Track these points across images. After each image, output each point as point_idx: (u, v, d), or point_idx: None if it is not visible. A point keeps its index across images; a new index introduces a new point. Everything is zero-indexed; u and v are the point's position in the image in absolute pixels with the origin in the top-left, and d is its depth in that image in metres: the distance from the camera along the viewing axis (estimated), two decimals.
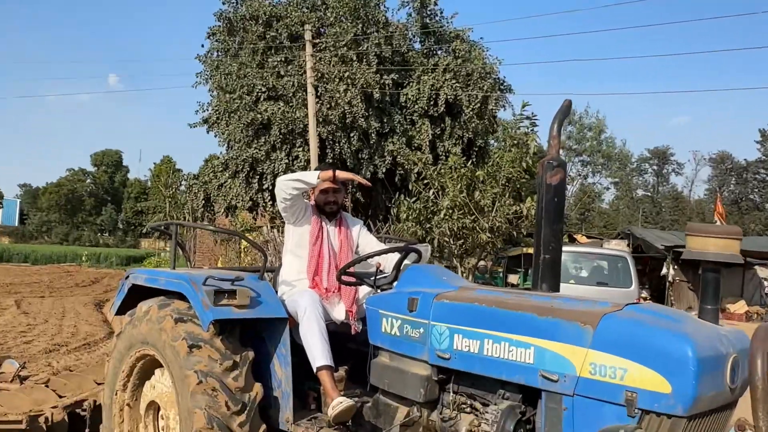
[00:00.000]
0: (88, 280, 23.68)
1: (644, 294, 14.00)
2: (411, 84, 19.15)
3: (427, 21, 20.10)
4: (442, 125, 19.37)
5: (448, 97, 18.76)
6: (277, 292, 3.86)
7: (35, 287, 19.59)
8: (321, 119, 17.50)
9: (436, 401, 3.04)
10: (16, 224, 69.68)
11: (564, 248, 10.95)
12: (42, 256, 39.04)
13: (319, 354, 3.37)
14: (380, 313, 3.26)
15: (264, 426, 3.37)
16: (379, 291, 3.54)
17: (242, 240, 19.66)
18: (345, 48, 18.16)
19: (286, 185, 3.63)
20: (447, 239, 13.05)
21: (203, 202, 19.35)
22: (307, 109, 17.22)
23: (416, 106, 18.90)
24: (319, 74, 17.90)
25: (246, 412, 3.28)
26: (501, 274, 24.18)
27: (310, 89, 16.55)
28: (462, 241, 13.03)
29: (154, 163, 53.73)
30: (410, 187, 14.18)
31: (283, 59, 18.86)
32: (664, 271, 18.59)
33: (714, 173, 60.75)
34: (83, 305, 15.31)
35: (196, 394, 3.22)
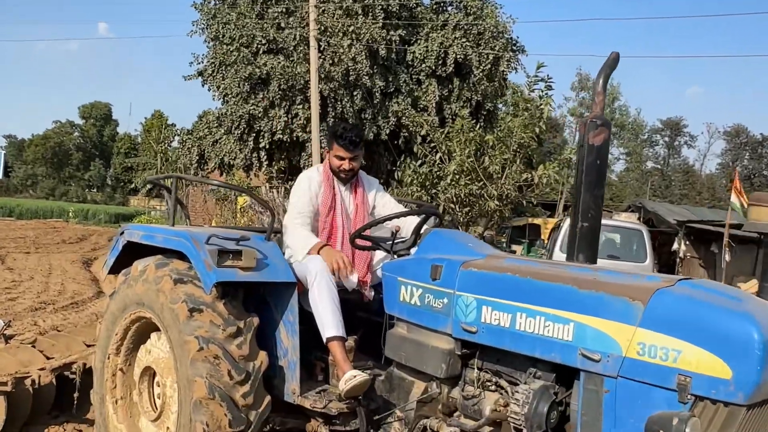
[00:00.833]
0: (75, 237, 23.51)
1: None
2: (419, 41, 18.80)
3: None
4: (450, 86, 19.12)
5: (458, 56, 18.44)
6: (284, 254, 3.70)
7: (20, 242, 19.44)
8: (323, 75, 17.17)
9: (457, 377, 2.90)
10: (0, 177, 69.18)
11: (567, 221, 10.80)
12: (27, 211, 38.83)
13: (330, 323, 3.22)
14: (398, 281, 3.10)
15: (269, 397, 3.23)
16: (395, 257, 3.38)
17: (238, 199, 19.55)
18: (350, 0, 17.74)
19: (290, 238, 3.60)
20: (453, 206, 12.85)
21: (197, 158, 19.11)
22: (308, 64, 16.87)
23: (423, 65, 18.61)
24: (322, 27, 17.50)
25: (250, 382, 3.13)
26: (504, 244, 24.17)
27: (312, 43, 16.17)
28: (468, 208, 12.84)
29: (145, 118, 53.05)
30: (415, 150, 13.91)
31: (284, 10, 18.45)
32: (675, 246, 18.45)
33: (728, 147, 60.45)
34: (70, 263, 15.17)
35: (197, 362, 3.07)
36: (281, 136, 17.72)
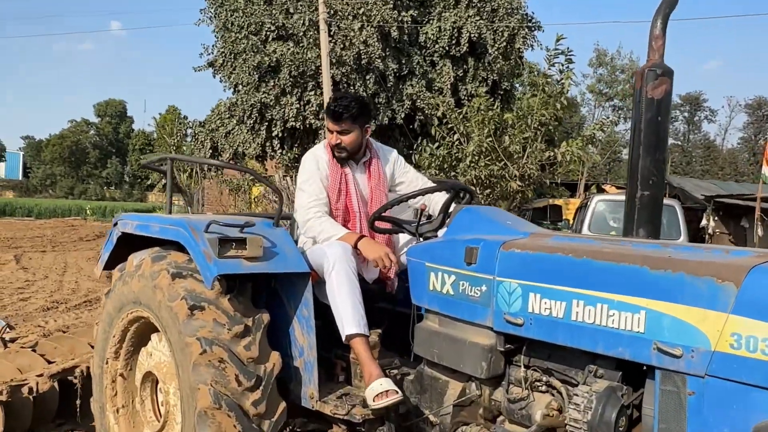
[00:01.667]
0: (92, 234, 23.38)
1: None
2: (431, 21, 18.27)
3: None
4: (465, 66, 18.58)
5: (472, 35, 17.88)
6: (296, 241, 3.30)
7: (37, 242, 19.30)
8: (334, 60, 16.71)
9: (500, 377, 2.48)
10: (20, 178, 69.74)
11: (602, 197, 10.26)
12: (46, 210, 38.89)
13: (350, 319, 2.81)
14: (427, 267, 2.68)
15: (283, 404, 2.84)
16: (422, 239, 2.97)
17: (252, 188, 19.22)
18: None
19: (309, 231, 3.15)
20: (473, 188, 12.41)
21: (210, 151, 18.76)
22: (319, 49, 16.42)
23: (437, 46, 18.09)
24: (332, 11, 17.03)
25: (261, 387, 2.74)
26: None
27: (322, 26, 15.72)
28: (489, 190, 12.39)
29: (159, 113, 53.02)
30: (432, 133, 13.46)
31: None
32: (703, 222, 17.87)
33: (750, 120, 59.02)
34: (86, 260, 14.95)
35: (200, 367, 2.68)
36: (294, 124, 17.31)
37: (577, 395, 2.13)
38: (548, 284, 2.20)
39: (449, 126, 13.27)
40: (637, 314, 1.97)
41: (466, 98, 17.52)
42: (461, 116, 12.98)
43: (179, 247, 2.95)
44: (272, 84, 17.12)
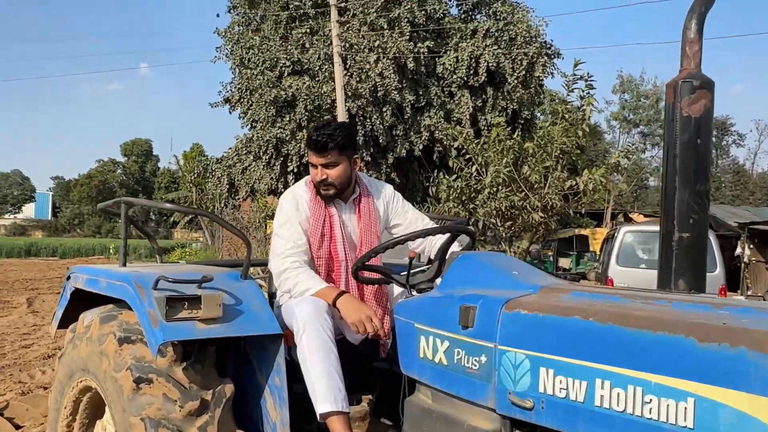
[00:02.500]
0: None
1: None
2: (448, 52, 18.00)
3: None
4: (484, 96, 18.26)
5: (490, 65, 17.57)
6: (274, 296, 2.85)
7: (55, 282, 19.12)
8: (350, 93, 16.51)
9: None
10: (49, 217, 70.78)
11: (630, 227, 9.64)
12: (70, 250, 39.08)
13: (324, 394, 2.33)
14: (417, 329, 2.19)
15: None
16: (414, 293, 2.48)
17: (268, 224, 18.89)
18: (374, 14, 17.09)
19: (283, 283, 2.65)
20: (494, 220, 11.89)
21: (227, 187, 18.59)
22: (334, 83, 16.20)
23: (455, 76, 17.80)
24: (347, 44, 16.86)
25: None
26: (551, 258, 22.97)
27: (336, 59, 15.53)
28: (511, 222, 11.84)
29: (184, 151, 53.49)
30: (450, 164, 13.01)
31: (307, 30, 17.93)
32: (738, 250, 17.06)
33: None
34: None
35: None
36: None
37: None
38: (564, 357, 1.70)
39: (467, 157, 12.84)
40: (683, 402, 1.46)
41: (485, 128, 17.15)
42: (480, 146, 12.55)
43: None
44: (288, 119, 16.91)
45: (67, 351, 2.84)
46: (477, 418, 1.96)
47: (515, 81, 17.85)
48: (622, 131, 51.19)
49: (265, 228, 16.58)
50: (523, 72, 17.88)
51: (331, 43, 16.76)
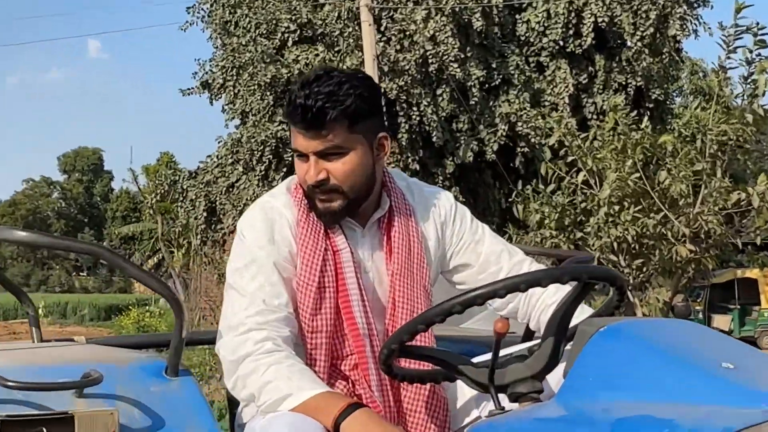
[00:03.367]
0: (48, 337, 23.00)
1: None
2: (535, 3, 17.48)
3: None
4: (592, 69, 17.77)
5: (599, 20, 17.00)
6: (235, 405, 2.23)
7: (14, 338, 19.05)
8: (387, 68, 16.15)
9: None
10: None
11: None
12: None
13: None
14: None
15: None
16: (506, 403, 1.82)
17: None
18: None
19: (241, 384, 1.97)
20: (614, 257, 11.16)
21: (204, 214, 18.29)
22: (362, 53, 15.82)
23: (545, 40, 17.42)
24: (381, 0, 16.56)
25: None
26: (699, 315, 22.02)
27: (365, 16, 15.19)
28: (642, 259, 11.12)
29: (144, 167, 54.03)
30: (543, 172, 12.40)
31: None
32: None
33: None
34: None
35: None
36: None
37: None
38: None
39: (570, 160, 12.24)
40: None
41: (594, 116, 16.59)
42: (589, 143, 11.94)
43: None
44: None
45: None
46: None
47: (639, 44, 17.23)
48: None
49: None
50: (651, 30, 17.23)
51: (355, 2, 16.46)
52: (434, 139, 16.65)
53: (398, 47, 16.24)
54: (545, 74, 17.47)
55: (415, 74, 16.29)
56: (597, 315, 1.94)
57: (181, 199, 19.97)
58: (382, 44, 16.14)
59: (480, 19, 16.46)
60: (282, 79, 16.59)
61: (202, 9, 19.05)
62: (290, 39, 17.11)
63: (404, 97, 16.43)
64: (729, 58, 11.01)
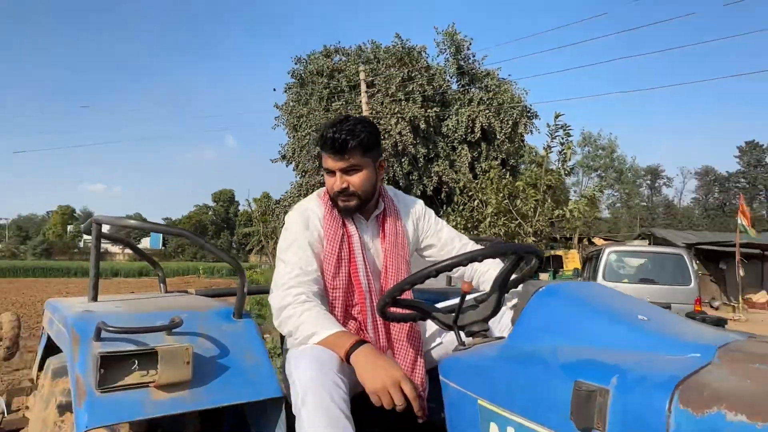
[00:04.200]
0: (200, 288, 22.13)
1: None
2: (451, 116, 16.98)
3: (462, 63, 17.85)
4: (479, 149, 17.12)
5: (483, 125, 16.49)
6: (283, 341, 1.69)
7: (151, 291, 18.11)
8: None
9: None
10: (160, 247, 70.70)
11: (613, 248, 8.27)
12: (171, 271, 38.16)
13: None
14: (480, 408, 1.00)
15: None
16: (465, 339, 1.29)
17: None
18: (394, 89, 16.20)
19: (284, 324, 1.43)
20: None
21: (283, 222, 17.59)
22: None
23: (456, 134, 16.74)
24: (374, 112, 15.98)
25: None
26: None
27: None
28: None
29: (254, 198, 53.25)
30: (456, 201, 11.87)
31: (343, 102, 17.08)
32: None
33: (699, 184, 55.38)
34: None
35: None
36: None
37: None
38: None
39: (469, 194, 11.71)
40: None
41: (480, 173, 16.06)
42: (479, 186, 11.43)
43: None
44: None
45: (34, 406, 1.69)
46: None
47: (503, 137, 16.75)
48: (585, 175, 49.89)
49: None
50: (509, 130, 16.78)
51: (361, 111, 15.87)
52: (400, 184, 16.02)
53: (382, 138, 15.63)
54: (456, 152, 16.92)
55: (390, 151, 15.72)
56: (520, 278, 1.42)
57: (271, 214, 19.27)
58: None
59: (424, 123, 15.92)
60: None
61: (283, 118, 18.43)
62: None
63: (385, 163, 15.87)
64: (553, 140, 10.56)
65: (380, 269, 1.64)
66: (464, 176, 14.74)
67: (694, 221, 53.29)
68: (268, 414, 1.34)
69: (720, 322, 1.10)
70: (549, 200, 10.02)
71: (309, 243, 1.54)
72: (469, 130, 16.67)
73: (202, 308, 1.41)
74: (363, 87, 14.90)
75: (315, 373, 1.20)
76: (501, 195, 10.57)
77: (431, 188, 16.35)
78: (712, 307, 14.29)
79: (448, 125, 16.76)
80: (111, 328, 1.14)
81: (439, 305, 1.48)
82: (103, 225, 1.56)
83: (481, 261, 1.28)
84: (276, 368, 1.42)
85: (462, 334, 1.30)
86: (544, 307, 1.04)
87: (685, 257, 7.63)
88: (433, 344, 1.64)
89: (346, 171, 1.53)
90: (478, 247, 1.76)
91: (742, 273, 13.10)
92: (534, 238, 10.07)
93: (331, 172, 1.55)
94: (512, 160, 17.67)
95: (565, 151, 10.26)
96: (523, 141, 18.10)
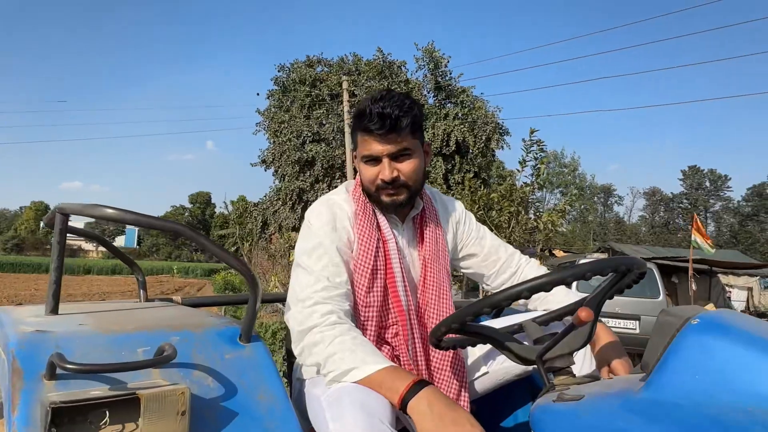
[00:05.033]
0: (172, 288, 21.15)
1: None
2: (427, 130, 16.81)
3: (439, 80, 17.76)
4: (453, 162, 17.01)
5: (458, 138, 16.41)
6: (292, 369, 1.30)
7: (126, 295, 17.13)
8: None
9: None
10: (134, 246, 68.12)
11: (585, 260, 8.21)
12: (144, 269, 36.33)
13: None
14: None
15: None
16: (554, 390, 0.93)
17: (291, 254, 17.25)
18: None
19: (308, 352, 1.05)
20: None
21: (261, 224, 16.99)
22: (344, 148, 14.85)
23: (432, 147, 16.51)
24: None
25: None
26: None
27: (347, 130, 14.20)
28: None
29: (231, 201, 52.05)
30: None
31: (324, 111, 16.70)
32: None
33: (647, 203, 57.33)
34: None
35: None
36: None
37: None
38: None
39: None
40: None
41: (454, 185, 15.95)
42: (454, 196, 11.24)
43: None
44: (308, 174, 15.52)
45: None
46: None
47: (476, 151, 16.70)
48: (547, 191, 51.10)
49: (288, 256, 14.88)
50: (482, 145, 16.74)
51: (342, 120, 15.52)
52: None
53: None
54: (431, 163, 16.78)
55: None
56: (600, 297, 1.08)
57: (248, 217, 18.60)
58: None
59: None
60: (303, 159, 15.54)
61: (264, 123, 17.88)
62: (308, 139, 16.08)
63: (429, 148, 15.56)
64: (528, 154, 10.42)
65: (417, 282, 1.28)
66: (439, 187, 14.55)
67: (641, 237, 55.13)
68: None
69: None
70: (523, 212, 9.85)
71: (337, 248, 1.17)
72: (444, 143, 16.54)
73: (197, 328, 1.01)
74: (346, 96, 14.55)
75: (363, 428, 0.83)
76: (477, 206, 10.35)
77: None
78: None
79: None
80: (70, 366, 0.73)
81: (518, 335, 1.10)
82: (71, 215, 1.14)
83: (570, 284, 0.93)
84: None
85: (547, 374, 0.95)
86: (698, 348, 0.70)
87: (654, 271, 7.55)
88: (478, 374, 1.29)
89: (395, 157, 1.16)
90: (528, 259, 1.43)
91: (694, 287, 13.31)
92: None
93: (375, 160, 1.18)
94: (484, 174, 17.62)
95: (539, 165, 10.13)
96: (494, 156, 18.11)
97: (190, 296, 1.68)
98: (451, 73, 17.93)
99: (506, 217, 10.00)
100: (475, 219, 1.49)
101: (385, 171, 1.16)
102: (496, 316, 1.62)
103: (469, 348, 1.30)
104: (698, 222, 12.98)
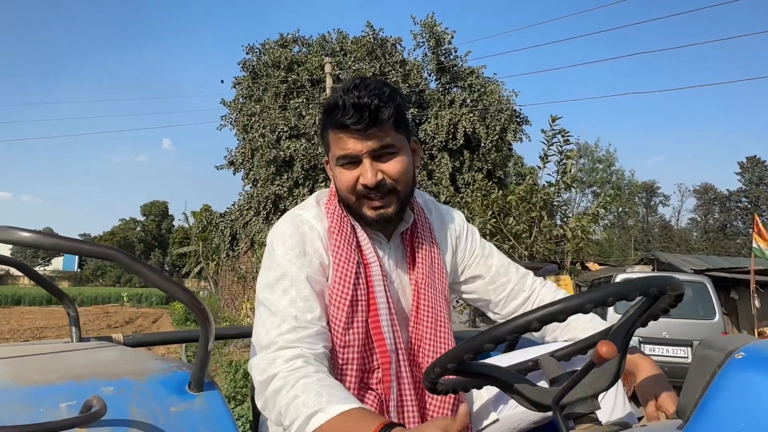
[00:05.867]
0: (122, 321, 21.01)
1: None
2: (429, 119, 16.87)
3: (443, 59, 17.87)
4: (462, 158, 17.06)
5: (467, 130, 16.45)
6: (258, 421, 1.30)
7: (64, 330, 17.04)
8: None
9: None
10: (75, 269, 67.77)
11: (627, 275, 8.20)
12: (88, 298, 36.40)
13: None
14: None
15: None
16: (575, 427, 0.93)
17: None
18: None
19: (271, 403, 1.05)
20: None
21: (229, 239, 16.96)
22: None
23: (435, 141, 16.63)
24: None
25: None
26: None
27: None
28: None
29: (193, 212, 51.97)
30: None
31: (303, 100, 16.74)
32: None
33: (699, 203, 57.60)
34: None
35: None
36: None
37: None
38: None
39: None
40: None
41: (463, 186, 15.98)
42: (462, 201, 11.25)
43: None
44: (286, 177, 15.54)
45: None
46: None
47: (489, 144, 16.76)
48: (578, 191, 50.92)
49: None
50: (496, 137, 16.81)
51: None
52: None
53: None
54: (435, 161, 16.80)
55: None
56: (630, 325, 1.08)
57: (214, 230, 18.60)
58: None
59: None
60: (279, 159, 15.57)
61: (231, 117, 17.93)
62: (284, 135, 16.10)
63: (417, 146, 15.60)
64: (550, 147, 10.47)
65: (409, 313, 1.27)
66: (445, 189, 14.59)
67: (692, 244, 55.32)
68: None
69: None
70: (546, 218, 9.88)
71: (307, 277, 1.15)
72: (450, 136, 16.61)
73: (138, 375, 1.01)
74: (329, 82, 14.61)
75: None
76: (491, 212, 10.38)
77: None
78: None
79: (426, 130, 16.63)
80: None
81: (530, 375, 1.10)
82: None
83: (588, 311, 0.92)
84: None
85: (567, 421, 0.94)
86: (747, 386, 0.70)
87: (708, 286, 7.58)
88: (486, 421, 1.29)
89: (378, 156, 1.16)
90: (544, 281, 1.43)
91: (757, 304, 13.33)
92: (529, 262, 9.91)
93: (353, 161, 1.17)
94: (499, 172, 17.69)
95: (564, 160, 10.17)
96: (511, 150, 18.19)
97: (142, 330, 1.68)
98: (456, 51, 18.06)
99: (526, 225, 10.04)
100: (478, 233, 1.49)
101: (366, 173, 1.14)
102: (510, 348, 1.61)
103: (475, 390, 1.30)
104: (760, 224, 13.04)
